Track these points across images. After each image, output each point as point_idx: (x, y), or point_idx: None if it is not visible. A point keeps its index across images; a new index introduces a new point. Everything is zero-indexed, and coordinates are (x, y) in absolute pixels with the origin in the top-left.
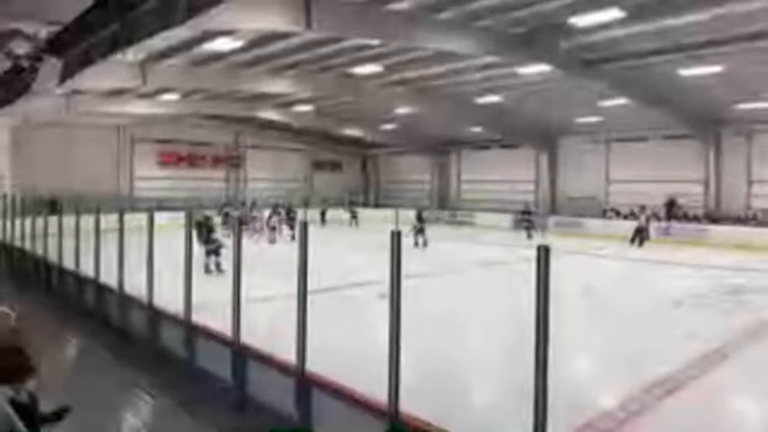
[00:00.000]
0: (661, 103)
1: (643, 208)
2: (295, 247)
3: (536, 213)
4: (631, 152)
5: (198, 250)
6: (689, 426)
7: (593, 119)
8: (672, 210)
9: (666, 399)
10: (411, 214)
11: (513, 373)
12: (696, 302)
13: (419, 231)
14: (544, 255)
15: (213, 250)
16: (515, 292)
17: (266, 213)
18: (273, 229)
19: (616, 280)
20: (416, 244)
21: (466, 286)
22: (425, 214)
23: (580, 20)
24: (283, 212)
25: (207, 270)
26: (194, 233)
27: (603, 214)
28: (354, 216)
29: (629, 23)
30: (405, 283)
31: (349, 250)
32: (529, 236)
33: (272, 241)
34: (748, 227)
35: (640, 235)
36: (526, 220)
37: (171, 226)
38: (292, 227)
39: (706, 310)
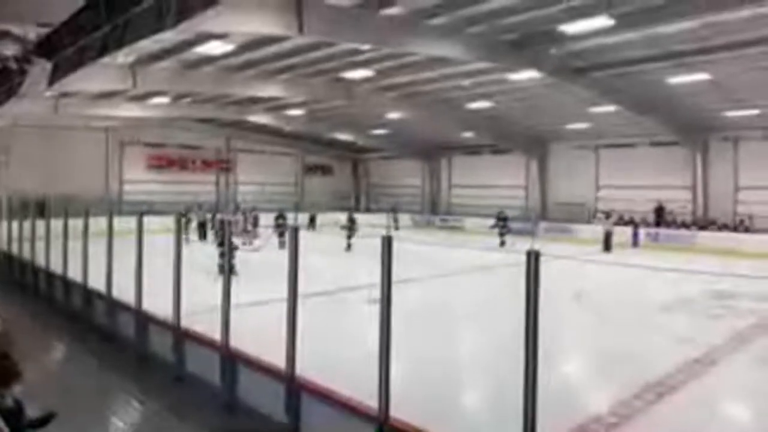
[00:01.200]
0: (649, 111)
1: (608, 215)
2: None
3: (513, 218)
4: (621, 158)
5: (199, 250)
6: (678, 430)
7: (583, 125)
8: (660, 216)
9: (655, 403)
10: (406, 217)
11: (498, 378)
12: (684, 307)
13: (350, 236)
14: (534, 260)
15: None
16: (490, 298)
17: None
18: (247, 232)
19: (604, 285)
20: (349, 247)
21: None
22: (355, 216)
23: (570, 28)
24: (251, 215)
25: (221, 271)
26: (195, 234)
27: (593, 216)
28: (395, 221)
29: (618, 31)
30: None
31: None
32: (503, 243)
33: (244, 244)
34: (735, 233)
35: (608, 241)
36: (501, 226)
37: (161, 230)
38: (281, 234)
39: (694, 314)
